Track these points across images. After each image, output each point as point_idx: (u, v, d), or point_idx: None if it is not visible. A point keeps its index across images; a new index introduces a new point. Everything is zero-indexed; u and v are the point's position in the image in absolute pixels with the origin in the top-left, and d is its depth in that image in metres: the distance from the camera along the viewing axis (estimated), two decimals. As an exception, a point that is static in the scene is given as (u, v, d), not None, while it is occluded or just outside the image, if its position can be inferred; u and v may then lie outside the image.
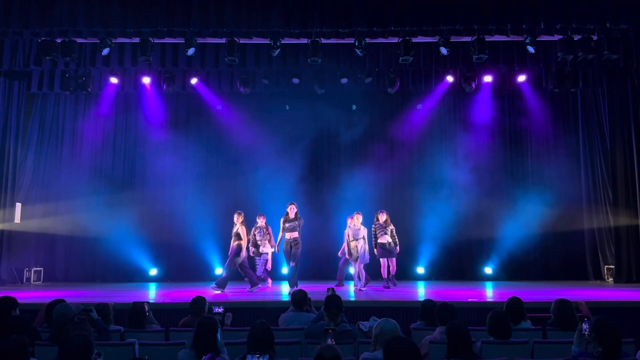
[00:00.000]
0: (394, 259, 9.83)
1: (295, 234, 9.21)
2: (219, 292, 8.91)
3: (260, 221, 9.81)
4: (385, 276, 9.74)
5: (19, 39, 9.86)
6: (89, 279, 11.78)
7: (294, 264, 9.13)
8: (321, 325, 4.58)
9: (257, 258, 9.82)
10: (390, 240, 9.71)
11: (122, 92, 12.05)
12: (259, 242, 9.70)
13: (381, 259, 9.75)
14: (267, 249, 9.79)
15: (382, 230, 9.72)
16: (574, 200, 12.06)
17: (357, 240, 9.35)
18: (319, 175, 12.44)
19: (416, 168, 12.61)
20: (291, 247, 9.15)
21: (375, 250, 9.76)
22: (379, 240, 9.71)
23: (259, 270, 9.78)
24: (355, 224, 9.46)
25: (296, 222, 9.23)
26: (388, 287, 9.59)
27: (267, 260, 9.76)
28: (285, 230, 9.26)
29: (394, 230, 9.81)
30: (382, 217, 9.80)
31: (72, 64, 10.15)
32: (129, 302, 5.73)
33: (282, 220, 9.36)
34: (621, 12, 8.90)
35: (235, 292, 9.08)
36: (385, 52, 10.31)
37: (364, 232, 9.44)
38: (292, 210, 9.30)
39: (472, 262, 12.07)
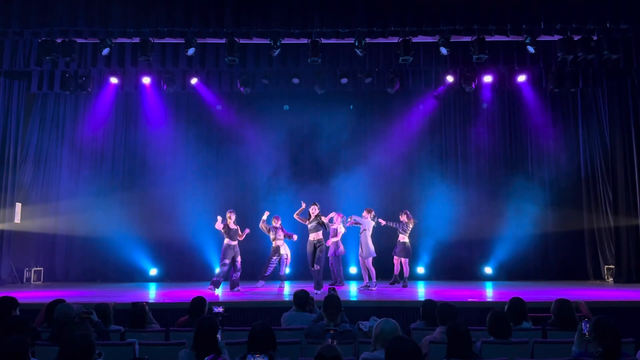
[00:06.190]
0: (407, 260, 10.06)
1: (320, 235, 9.20)
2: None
3: (275, 223, 9.92)
4: (397, 274, 10.05)
5: (19, 39, 9.85)
6: (89, 279, 11.78)
7: (318, 267, 9.06)
8: (321, 325, 4.58)
9: (273, 258, 9.92)
10: (408, 240, 9.96)
11: (122, 92, 12.04)
12: (274, 243, 9.91)
13: (403, 259, 9.99)
14: (286, 250, 9.99)
15: (404, 230, 9.96)
16: (574, 200, 12.07)
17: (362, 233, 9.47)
18: (319, 175, 12.42)
19: (416, 168, 12.62)
20: (315, 248, 9.13)
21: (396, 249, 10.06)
22: (400, 239, 9.94)
23: (282, 271, 10.01)
24: (365, 217, 9.57)
25: (315, 223, 9.18)
26: (406, 286, 9.84)
27: (287, 259, 9.98)
28: (309, 231, 9.27)
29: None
30: (403, 217, 10.04)
31: (72, 64, 10.14)
32: (129, 302, 5.73)
33: (307, 220, 9.41)
34: (621, 12, 8.90)
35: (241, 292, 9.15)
36: (385, 52, 10.30)
37: (367, 224, 9.52)
38: (313, 211, 9.27)
39: (472, 262, 12.07)
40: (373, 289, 9.23)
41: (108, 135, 12.61)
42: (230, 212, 9.51)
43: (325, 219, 9.29)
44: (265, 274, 9.93)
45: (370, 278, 9.37)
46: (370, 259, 9.40)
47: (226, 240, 9.33)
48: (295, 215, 9.69)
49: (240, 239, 9.50)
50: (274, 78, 11.20)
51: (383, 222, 9.92)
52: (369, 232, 9.47)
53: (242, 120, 12.45)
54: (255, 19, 8.97)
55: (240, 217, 9.92)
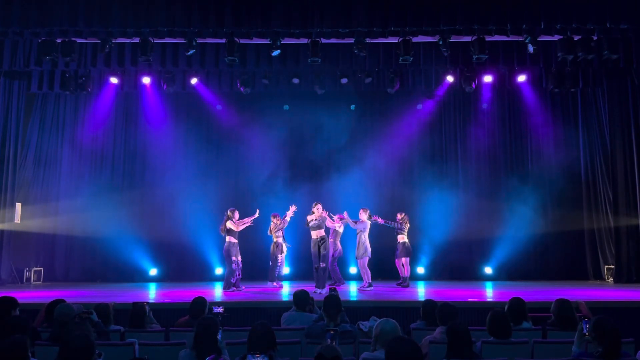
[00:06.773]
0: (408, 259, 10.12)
1: (322, 232, 9.16)
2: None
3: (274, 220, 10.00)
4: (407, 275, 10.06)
5: (19, 39, 9.84)
6: (89, 279, 11.78)
7: (324, 264, 9.01)
8: (321, 325, 4.58)
9: (279, 256, 9.98)
10: (407, 240, 10.02)
11: (122, 92, 12.05)
12: (279, 240, 9.99)
13: (403, 258, 10.05)
14: (284, 249, 10.06)
15: (401, 230, 10.03)
16: (574, 200, 12.07)
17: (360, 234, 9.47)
18: (319, 175, 12.41)
19: (415, 168, 12.62)
20: (319, 246, 9.08)
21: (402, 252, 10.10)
22: (399, 240, 10.03)
23: (280, 271, 10.01)
24: (361, 218, 9.55)
25: (319, 221, 9.16)
26: (407, 286, 9.84)
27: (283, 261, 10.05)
28: (311, 229, 9.24)
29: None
30: (400, 217, 10.13)
31: (72, 64, 10.14)
32: (129, 302, 5.73)
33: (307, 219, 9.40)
34: (621, 12, 8.89)
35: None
36: (385, 52, 10.29)
37: (360, 225, 9.51)
38: (317, 210, 9.23)
39: (472, 262, 12.07)
40: (369, 289, 9.22)
41: (108, 135, 12.60)
42: (233, 210, 9.52)
43: (325, 214, 9.29)
44: (276, 275, 9.98)
45: (364, 279, 9.40)
46: (366, 259, 9.41)
47: (230, 239, 9.35)
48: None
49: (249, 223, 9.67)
50: (274, 78, 11.20)
51: (381, 221, 9.93)
52: (366, 233, 9.47)
53: (242, 120, 12.44)
54: (255, 19, 8.96)
55: (240, 217, 9.91)
